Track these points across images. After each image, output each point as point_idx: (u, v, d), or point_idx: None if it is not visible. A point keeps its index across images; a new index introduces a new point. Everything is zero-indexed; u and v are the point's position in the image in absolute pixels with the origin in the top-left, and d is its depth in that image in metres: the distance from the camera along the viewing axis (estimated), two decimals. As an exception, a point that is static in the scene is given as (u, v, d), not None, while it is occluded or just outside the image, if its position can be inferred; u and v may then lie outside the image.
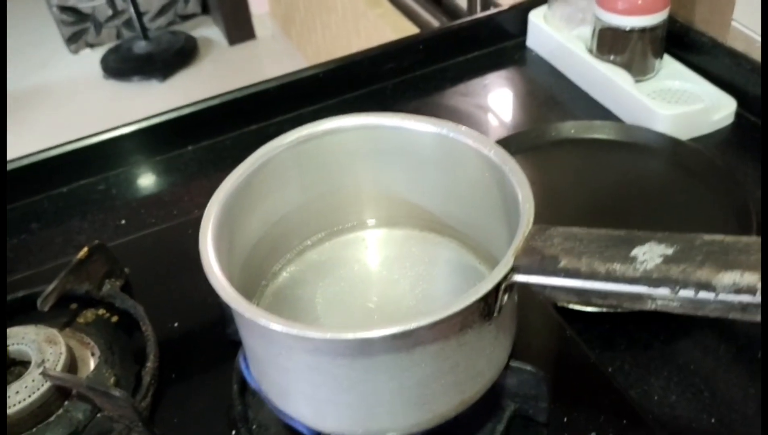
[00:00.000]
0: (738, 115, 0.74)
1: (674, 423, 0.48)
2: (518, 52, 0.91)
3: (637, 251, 0.31)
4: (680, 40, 0.81)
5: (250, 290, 0.45)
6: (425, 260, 0.47)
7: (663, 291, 0.30)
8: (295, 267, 0.48)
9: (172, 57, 2.60)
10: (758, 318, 0.28)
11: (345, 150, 0.46)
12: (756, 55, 0.74)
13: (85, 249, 0.53)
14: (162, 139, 0.80)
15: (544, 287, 0.33)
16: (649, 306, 0.30)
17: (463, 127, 0.43)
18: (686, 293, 0.29)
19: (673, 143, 0.71)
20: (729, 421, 0.47)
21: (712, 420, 0.48)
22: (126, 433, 0.45)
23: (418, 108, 0.84)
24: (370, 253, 0.49)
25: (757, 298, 0.28)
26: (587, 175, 0.72)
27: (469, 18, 0.93)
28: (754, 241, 0.29)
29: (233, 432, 0.45)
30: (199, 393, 0.48)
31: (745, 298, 0.28)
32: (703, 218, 0.63)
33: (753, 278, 0.28)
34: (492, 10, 0.94)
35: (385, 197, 0.49)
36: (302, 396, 0.38)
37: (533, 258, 0.33)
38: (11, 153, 0.77)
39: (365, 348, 0.33)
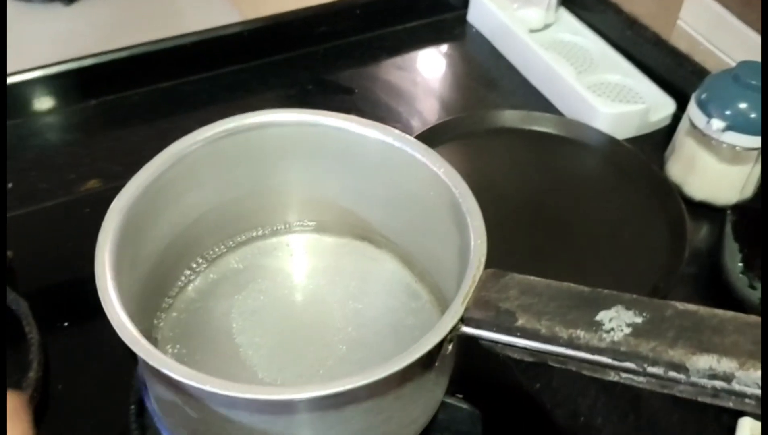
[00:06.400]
0: (675, 117, 0.73)
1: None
2: (458, 27, 0.86)
3: (603, 316, 0.28)
4: (623, 33, 0.78)
5: (155, 305, 0.39)
6: (357, 274, 0.43)
7: (630, 365, 0.27)
8: (208, 276, 0.42)
9: (79, -21, 2.37)
10: (729, 404, 0.26)
11: (273, 148, 0.40)
12: (698, 58, 0.73)
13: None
14: (62, 90, 0.72)
15: (495, 343, 0.30)
16: (612, 377, 0.28)
17: (412, 139, 0.38)
18: (655, 371, 0.26)
19: (611, 143, 0.69)
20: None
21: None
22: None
23: (351, 78, 0.79)
24: (295, 261, 0.44)
25: (733, 386, 0.25)
26: (522, 167, 0.70)
27: (410, -16, 0.87)
28: (730, 317, 0.27)
29: (128, 459, 0.40)
30: (90, 411, 0.43)
31: (719, 384, 0.25)
32: (637, 222, 0.62)
33: (731, 365, 0.25)
34: (434, -22, 0.88)
35: (315, 200, 0.44)
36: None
37: (487, 312, 0.29)
38: None
39: (290, 407, 0.29)
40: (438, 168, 0.37)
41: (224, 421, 0.30)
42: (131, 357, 0.41)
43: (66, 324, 0.47)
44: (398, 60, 0.82)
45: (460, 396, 0.40)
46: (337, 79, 0.79)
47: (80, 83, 0.72)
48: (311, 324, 0.41)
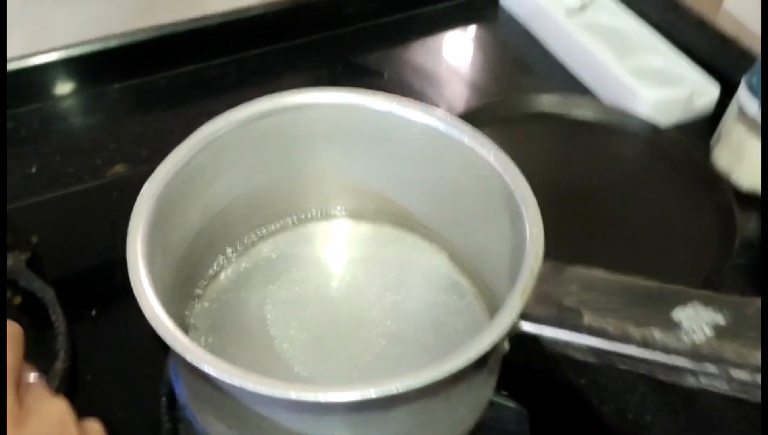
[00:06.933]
0: (719, 103, 0.70)
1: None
2: (490, 8, 0.83)
3: (680, 315, 0.25)
4: (665, 15, 0.75)
5: (186, 294, 0.37)
6: (396, 264, 0.41)
7: (714, 369, 0.24)
8: (241, 265, 0.40)
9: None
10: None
11: (307, 130, 0.38)
12: (745, 42, 0.69)
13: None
14: (84, 73, 0.69)
15: (556, 342, 0.27)
16: (691, 383, 0.25)
17: (458, 120, 0.36)
18: (742, 376, 0.24)
19: (653, 130, 0.66)
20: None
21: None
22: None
23: (380, 60, 0.76)
24: (330, 250, 0.42)
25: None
26: (560, 154, 0.67)
27: (440, -36, 0.84)
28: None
29: (159, 454, 0.38)
30: (119, 402, 0.41)
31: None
32: (683, 212, 0.59)
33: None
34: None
35: (352, 186, 0.41)
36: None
37: (549, 308, 0.27)
38: None
39: (334, 408, 0.27)
40: (487, 152, 0.34)
41: (261, 419, 0.29)
42: (161, 347, 0.40)
43: (94, 312, 0.46)
44: (428, 42, 0.79)
45: (506, 393, 0.38)
46: (366, 62, 0.76)
47: (104, 66, 0.70)
48: (348, 316, 0.39)
